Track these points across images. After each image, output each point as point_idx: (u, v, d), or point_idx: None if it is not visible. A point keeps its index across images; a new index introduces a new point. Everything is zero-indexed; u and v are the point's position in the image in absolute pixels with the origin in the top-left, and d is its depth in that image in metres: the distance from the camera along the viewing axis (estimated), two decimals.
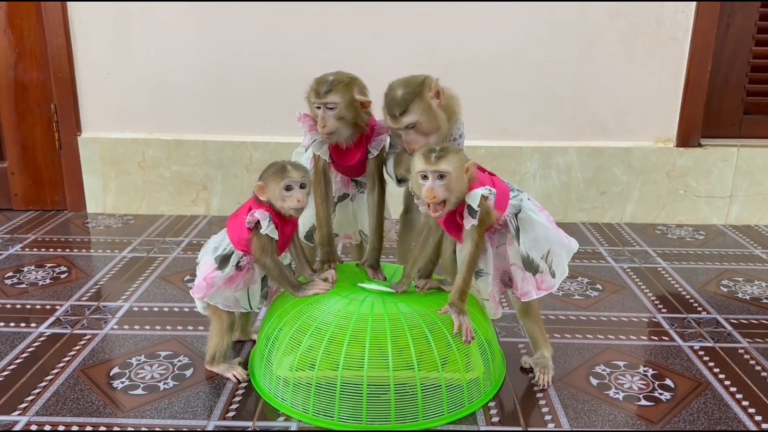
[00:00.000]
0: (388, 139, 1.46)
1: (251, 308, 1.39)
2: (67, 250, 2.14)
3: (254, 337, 1.53)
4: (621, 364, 1.47)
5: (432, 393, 1.22)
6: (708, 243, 2.28)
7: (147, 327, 1.61)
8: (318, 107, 1.35)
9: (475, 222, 1.21)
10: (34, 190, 2.55)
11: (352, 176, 1.54)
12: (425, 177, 1.20)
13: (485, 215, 1.23)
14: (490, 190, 1.22)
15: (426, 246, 1.37)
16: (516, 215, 1.29)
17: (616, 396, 1.34)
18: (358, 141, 1.43)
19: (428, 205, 1.21)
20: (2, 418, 1.24)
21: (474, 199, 1.21)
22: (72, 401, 1.30)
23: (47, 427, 1.22)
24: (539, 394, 1.34)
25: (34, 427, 1.22)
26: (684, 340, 1.58)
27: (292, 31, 2.34)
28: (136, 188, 2.51)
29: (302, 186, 1.29)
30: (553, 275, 1.33)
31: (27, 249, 2.15)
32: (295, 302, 1.33)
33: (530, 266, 1.30)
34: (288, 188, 1.28)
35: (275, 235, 1.29)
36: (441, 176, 1.19)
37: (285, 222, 1.32)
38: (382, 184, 1.50)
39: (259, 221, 1.27)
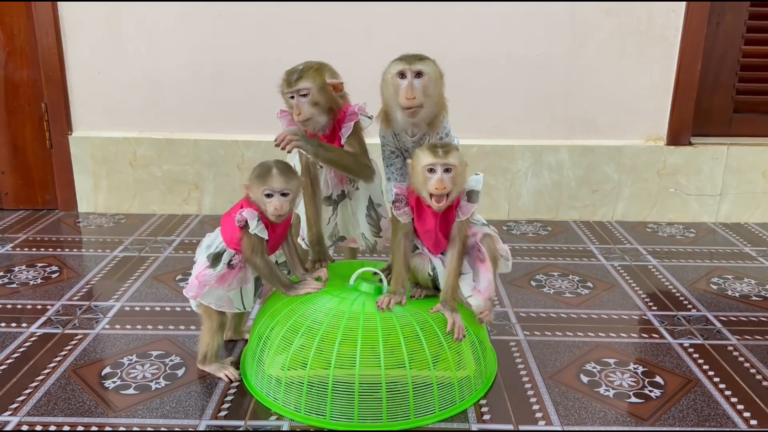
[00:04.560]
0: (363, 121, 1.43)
1: (245, 308, 1.39)
2: (59, 249, 2.14)
3: (246, 336, 1.53)
4: (611, 361, 1.47)
5: (423, 391, 1.23)
6: (698, 241, 2.29)
7: (138, 326, 1.61)
8: (291, 97, 1.35)
9: (476, 206, 1.27)
10: (25, 190, 2.53)
11: None
12: (432, 170, 1.22)
13: None
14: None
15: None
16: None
17: (607, 393, 1.35)
18: (332, 130, 1.41)
19: (431, 197, 1.23)
20: None
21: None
22: (63, 401, 1.30)
23: (38, 428, 1.22)
24: (530, 392, 1.35)
25: (25, 428, 1.21)
26: (674, 338, 1.59)
27: (284, 30, 2.34)
28: (128, 187, 2.50)
29: (284, 194, 1.26)
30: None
31: (18, 249, 2.14)
32: (287, 301, 1.33)
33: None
34: (268, 195, 1.26)
35: (264, 235, 1.29)
36: (447, 170, 1.23)
37: (275, 222, 1.32)
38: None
39: (248, 221, 1.27)
